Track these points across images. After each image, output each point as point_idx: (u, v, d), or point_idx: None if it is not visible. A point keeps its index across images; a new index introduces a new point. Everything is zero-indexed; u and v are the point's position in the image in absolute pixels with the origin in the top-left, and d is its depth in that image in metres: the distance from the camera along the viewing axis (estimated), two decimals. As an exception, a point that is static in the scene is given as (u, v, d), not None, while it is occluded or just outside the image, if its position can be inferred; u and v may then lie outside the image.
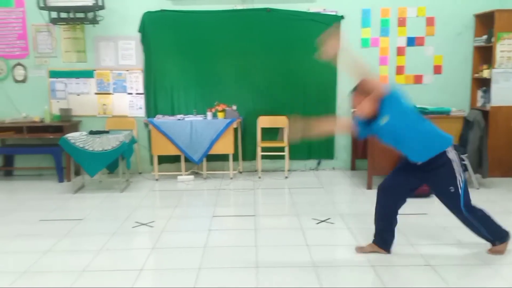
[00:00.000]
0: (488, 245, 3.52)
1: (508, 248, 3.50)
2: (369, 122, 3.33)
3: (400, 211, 4.47)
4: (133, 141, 5.79)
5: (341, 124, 3.53)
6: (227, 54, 6.21)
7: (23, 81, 6.33)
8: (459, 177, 3.29)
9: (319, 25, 6.13)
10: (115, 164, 5.60)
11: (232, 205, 5.12)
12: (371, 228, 3.72)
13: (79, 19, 5.79)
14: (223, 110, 5.97)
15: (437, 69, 6.28)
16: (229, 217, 4.62)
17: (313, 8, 6.17)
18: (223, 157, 6.10)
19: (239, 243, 3.83)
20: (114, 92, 6.37)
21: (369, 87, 3.28)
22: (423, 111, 5.87)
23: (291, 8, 6.14)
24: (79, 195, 5.42)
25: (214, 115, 6.01)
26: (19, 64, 6.29)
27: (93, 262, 3.45)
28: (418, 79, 6.29)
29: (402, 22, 6.21)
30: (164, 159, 6.20)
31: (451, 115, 5.84)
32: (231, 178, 6.05)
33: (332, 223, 4.29)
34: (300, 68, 6.22)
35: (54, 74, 6.31)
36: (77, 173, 5.88)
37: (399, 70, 6.29)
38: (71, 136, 5.35)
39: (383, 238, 3.54)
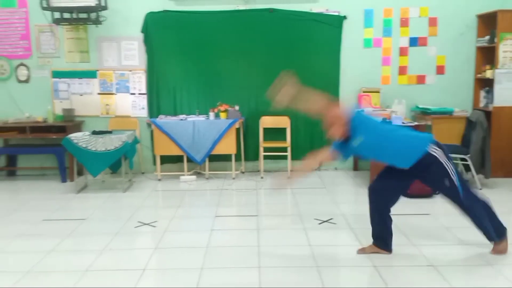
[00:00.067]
0: (491, 245, 3.51)
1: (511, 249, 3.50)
2: (346, 143, 3.35)
3: (402, 211, 4.48)
4: (135, 141, 5.80)
5: (322, 157, 3.54)
6: (230, 55, 6.21)
7: (26, 81, 6.35)
8: (450, 170, 3.27)
9: (322, 25, 6.14)
10: (118, 164, 5.61)
11: (234, 205, 5.12)
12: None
13: (82, 19, 5.81)
14: (226, 110, 5.98)
15: (440, 70, 6.27)
16: (232, 217, 4.63)
17: (315, 8, 6.17)
18: (226, 157, 6.10)
19: (241, 243, 3.83)
20: (117, 92, 6.39)
21: (333, 116, 3.34)
22: (426, 111, 5.89)
23: (294, 8, 6.14)
24: (82, 195, 5.43)
25: (217, 115, 6.02)
26: (22, 64, 6.31)
27: (96, 262, 3.46)
28: (420, 80, 6.29)
29: (404, 23, 6.20)
30: (166, 159, 6.21)
31: (454, 116, 5.85)
32: (234, 178, 6.06)
33: (334, 223, 4.29)
34: (302, 68, 6.18)
35: (57, 74, 6.33)
36: (80, 173, 5.89)
37: (402, 70, 6.28)
38: (74, 136, 5.37)
39: (383, 239, 3.54)
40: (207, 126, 5.89)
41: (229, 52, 6.21)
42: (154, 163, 6.20)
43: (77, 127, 6.24)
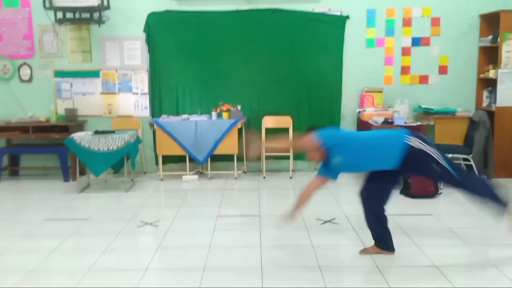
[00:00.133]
0: (493, 245, 3.50)
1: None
2: (329, 164, 3.36)
3: (404, 211, 4.48)
4: (138, 141, 5.81)
5: (313, 187, 3.49)
6: (232, 54, 6.21)
7: (29, 81, 6.36)
8: (435, 155, 3.24)
9: (324, 25, 6.14)
10: (120, 164, 5.61)
11: (236, 205, 5.12)
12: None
13: (84, 19, 5.82)
14: (228, 110, 5.98)
15: (443, 69, 6.26)
16: (234, 217, 4.63)
17: (318, 8, 6.16)
18: (228, 157, 6.10)
19: (243, 243, 3.83)
20: (119, 92, 6.39)
21: (305, 146, 3.40)
22: (428, 111, 5.88)
23: (296, 8, 6.14)
24: (84, 195, 5.44)
25: (219, 115, 6.02)
26: (25, 64, 6.32)
27: (98, 262, 3.46)
28: (423, 79, 6.27)
29: (407, 22, 6.19)
30: (169, 159, 6.21)
31: (457, 116, 5.84)
32: (236, 178, 6.06)
33: (336, 223, 4.29)
34: (305, 68, 6.22)
35: (60, 74, 6.34)
36: (83, 172, 5.90)
37: (404, 70, 6.27)
38: (77, 136, 5.38)
39: (383, 240, 3.53)
40: (209, 126, 5.89)
41: (231, 52, 6.21)
42: (157, 163, 6.21)
43: (80, 126, 6.25)
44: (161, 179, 6.04)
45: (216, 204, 4.97)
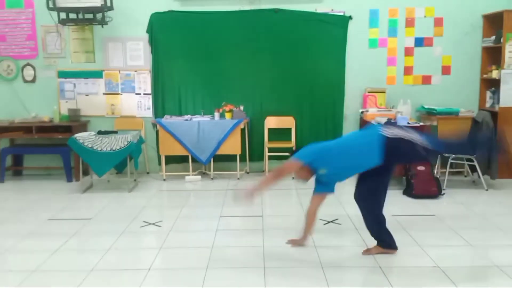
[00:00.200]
0: (497, 246, 3.49)
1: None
2: (320, 179, 3.47)
3: (407, 212, 4.48)
4: (141, 141, 5.82)
5: (317, 205, 3.57)
6: (235, 55, 6.22)
7: (33, 81, 6.38)
8: (414, 138, 3.26)
9: (327, 25, 6.14)
10: (123, 164, 5.63)
11: (239, 205, 5.12)
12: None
13: (87, 20, 5.83)
14: (231, 111, 5.98)
15: (446, 70, 6.25)
16: (237, 218, 4.62)
17: (320, 8, 6.16)
18: (230, 158, 6.11)
19: (246, 243, 3.83)
20: (122, 93, 6.41)
21: (288, 172, 3.48)
22: (431, 112, 5.87)
23: (298, 8, 6.14)
24: (87, 195, 5.45)
25: (222, 116, 6.02)
26: (28, 64, 6.35)
27: (101, 262, 3.47)
28: (426, 80, 6.27)
29: (410, 23, 6.19)
30: (171, 159, 6.22)
31: (460, 116, 5.82)
32: (238, 179, 6.06)
33: (339, 224, 4.29)
34: (307, 69, 6.22)
35: (63, 74, 6.36)
36: (86, 173, 5.91)
37: (407, 70, 6.26)
38: (80, 136, 5.39)
39: (384, 240, 3.53)
40: (212, 126, 5.89)
41: (234, 52, 6.21)
42: (159, 163, 6.22)
43: (83, 127, 6.27)
44: (164, 179, 6.05)
45: (219, 204, 4.97)
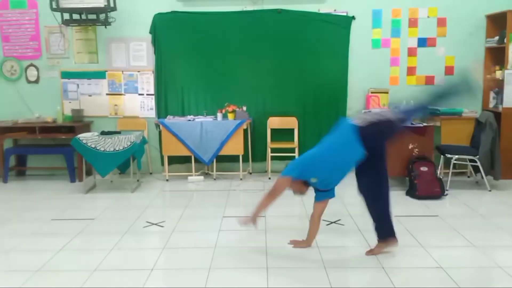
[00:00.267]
0: (500, 246, 3.48)
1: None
2: (317, 187, 3.55)
3: (410, 212, 4.47)
4: (144, 141, 5.83)
5: (320, 211, 3.67)
6: (237, 55, 6.22)
7: (36, 81, 6.40)
8: (386, 116, 3.32)
9: (330, 26, 6.13)
10: (126, 165, 5.64)
11: (242, 205, 5.12)
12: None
13: (91, 20, 5.84)
14: (233, 111, 5.99)
15: (449, 70, 6.23)
16: (239, 218, 4.62)
17: (323, 9, 6.16)
18: (233, 158, 6.11)
19: (249, 243, 3.83)
20: (125, 93, 6.42)
21: (282, 190, 3.49)
22: (435, 112, 5.85)
23: (301, 9, 6.14)
24: (90, 195, 5.46)
25: (224, 116, 6.03)
26: (32, 65, 6.37)
27: (104, 262, 3.48)
28: (429, 80, 6.25)
29: (413, 23, 6.18)
30: (174, 160, 6.23)
31: (463, 116, 5.82)
32: (241, 179, 6.06)
33: (342, 224, 4.29)
34: (310, 69, 6.22)
35: (66, 75, 6.38)
36: (89, 173, 5.93)
37: (411, 71, 6.25)
38: (83, 136, 5.40)
39: (384, 228, 3.52)
40: (215, 127, 5.90)
41: (237, 53, 6.22)
42: (162, 163, 6.23)
43: (86, 127, 6.28)
44: (167, 180, 6.06)
45: (222, 204, 4.98)
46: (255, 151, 6.40)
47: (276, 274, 3.22)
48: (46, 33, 6.31)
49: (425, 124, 5.48)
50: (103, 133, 5.51)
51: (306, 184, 3.52)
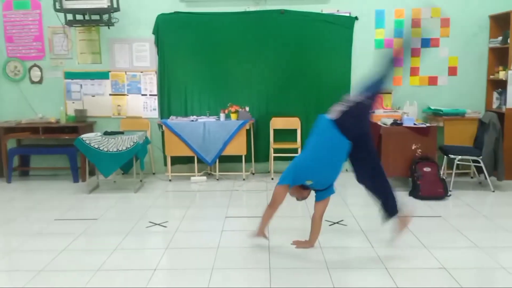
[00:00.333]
0: (502, 247, 3.47)
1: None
2: (316, 189, 3.60)
3: (414, 213, 4.46)
4: (147, 142, 5.84)
5: (322, 211, 3.70)
6: (240, 56, 6.23)
7: (39, 82, 6.42)
8: (356, 101, 3.37)
9: (333, 26, 6.13)
10: (129, 165, 5.65)
11: (244, 206, 5.13)
12: (384, 230, 3.73)
13: (94, 21, 5.86)
14: (236, 112, 5.99)
15: (452, 71, 6.22)
16: (242, 218, 4.63)
17: (326, 9, 6.16)
18: (236, 159, 6.11)
19: (251, 244, 3.83)
20: (128, 94, 6.43)
21: (281, 198, 3.56)
22: (438, 113, 5.85)
23: (304, 9, 6.14)
24: (93, 195, 5.47)
25: (227, 117, 6.03)
26: (35, 65, 6.39)
27: (107, 262, 3.48)
28: (433, 81, 6.25)
29: (416, 23, 6.17)
30: (177, 160, 6.23)
31: (466, 117, 5.81)
32: (244, 179, 6.06)
33: (345, 225, 4.28)
34: (313, 70, 6.22)
35: (70, 75, 6.40)
36: (92, 173, 5.93)
37: (414, 71, 6.25)
38: (86, 136, 5.41)
39: (394, 203, 3.54)
40: (218, 127, 5.90)
41: (240, 53, 6.22)
42: (165, 163, 6.23)
43: (89, 127, 6.29)
44: (170, 180, 6.07)
45: (224, 205, 4.98)
46: (258, 152, 6.40)
47: (279, 275, 3.22)
48: (49, 34, 6.32)
49: (428, 124, 5.47)
50: (106, 133, 5.52)
51: (305, 188, 3.56)
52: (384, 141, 5.32)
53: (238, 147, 5.94)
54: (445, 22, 6.15)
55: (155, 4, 6.19)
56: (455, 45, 6.17)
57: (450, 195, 5.10)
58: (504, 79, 5.77)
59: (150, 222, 4.42)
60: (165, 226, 4.30)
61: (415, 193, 5.08)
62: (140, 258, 3.60)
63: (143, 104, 6.44)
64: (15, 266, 3.48)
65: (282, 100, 6.28)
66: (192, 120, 6.00)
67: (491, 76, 6.08)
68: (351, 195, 5.37)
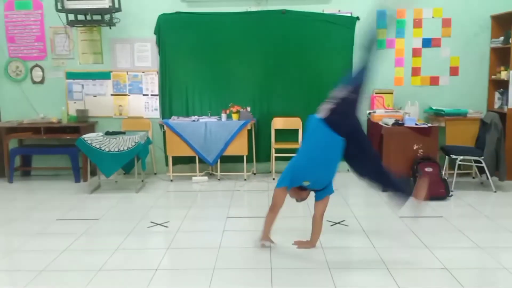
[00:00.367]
0: (504, 248, 3.46)
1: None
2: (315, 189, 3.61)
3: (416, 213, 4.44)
4: (148, 142, 5.84)
5: (322, 210, 3.70)
6: (242, 56, 6.23)
7: (41, 82, 6.43)
8: (342, 97, 3.42)
9: (334, 26, 6.12)
10: (131, 165, 5.65)
11: (246, 206, 5.13)
12: (386, 230, 3.73)
13: (95, 21, 5.86)
14: (238, 112, 5.99)
15: (454, 71, 6.22)
16: (243, 218, 4.63)
17: (327, 9, 6.16)
18: (237, 159, 6.11)
19: (253, 244, 3.83)
20: (130, 94, 6.44)
21: (282, 200, 3.57)
22: (439, 113, 5.84)
23: (306, 9, 6.14)
24: (95, 195, 5.47)
25: (229, 117, 6.03)
26: (37, 65, 6.40)
27: (109, 262, 3.48)
28: (434, 81, 6.24)
29: (418, 23, 6.16)
30: (178, 160, 6.24)
31: (468, 117, 5.80)
32: (245, 180, 6.06)
33: (346, 225, 4.28)
34: (314, 70, 6.21)
35: (71, 75, 6.40)
36: (93, 173, 5.94)
37: (415, 71, 6.24)
38: (88, 136, 5.42)
39: (404, 185, 3.57)
40: (219, 127, 5.90)
41: (241, 53, 6.22)
42: (167, 164, 6.24)
43: (91, 128, 6.30)
44: (171, 180, 6.07)
45: (226, 205, 4.98)
46: (259, 152, 6.40)
47: (281, 275, 3.21)
48: (51, 34, 6.33)
49: (429, 124, 5.46)
50: (107, 133, 5.52)
51: (303, 189, 3.57)
52: (386, 141, 5.31)
53: (239, 147, 5.94)
54: (446, 22, 6.14)
55: (156, 4, 6.20)
56: (457, 45, 6.16)
57: (451, 195, 5.10)
58: (506, 79, 5.76)
59: (152, 222, 4.42)
60: (166, 226, 4.30)
61: (417, 193, 5.07)
62: (142, 258, 3.61)
63: (145, 104, 6.44)
64: (17, 266, 3.49)
65: (284, 100, 6.28)
66: (194, 120, 6.01)
67: (493, 76, 6.07)
68: (352, 195, 5.37)
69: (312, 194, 3.68)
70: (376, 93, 6.09)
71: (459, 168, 5.46)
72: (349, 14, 6.15)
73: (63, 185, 5.94)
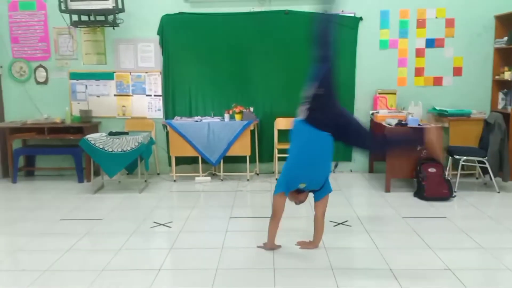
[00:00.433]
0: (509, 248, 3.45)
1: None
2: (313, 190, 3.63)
3: (418, 214, 4.45)
4: (151, 142, 5.85)
5: (323, 209, 3.72)
6: (245, 56, 6.23)
7: (45, 82, 6.45)
8: (314, 94, 3.43)
9: (337, 26, 6.10)
10: (134, 165, 5.66)
11: (249, 206, 5.13)
12: (389, 230, 3.72)
13: (99, 22, 5.87)
14: (241, 112, 5.99)
15: (457, 71, 6.20)
16: (246, 219, 4.63)
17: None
18: (240, 159, 6.11)
19: (256, 244, 3.83)
20: (133, 94, 6.45)
21: (281, 207, 3.58)
22: (443, 113, 5.83)
23: (308, 10, 6.13)
24: (98, 195, 5.49)
25: (232, 117, 6.04)
26: (40, 66, 6.42)
27: (112, 262, 3.49)
28: (437, 81, 6.23)
29: (421, 24, 6.15)
30: (181, 161, 6.25)
31: (472, 118, 5.78)
32: (248, 180, 6.07)
33: (349, 225, 4.27)
34: (317, 70, 6.20)
35: (75, 76, 6.42)
36: (97, 173, 5.96)
37: (418, 72, 6.23)
38: (91, 137, 5.43)
39: (409, 140, 3.69)
40: (222, 128, 5.91)
41: (244, 53, 6.23)
42: (170, 164, 6.25)
43: (94, 128, 6.32)
44: (174, 180, 6.08)
45: (229, 205, 4.98)
46: (262, 152, 6.40)
47: (283, 275, 3.22)
48: (54, 35, 6.35)
49: (433, 125, 5.44)
50: (111, 133, 5.54)
51: (300, 191, 3.58)
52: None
53: (242, 147, 5.95)
54: (450, 22, 6.13)
55: (159, 4, 6.21)
56: (460, 45, 6.15)
57: (455, 196, 5.09)
58: (509, 79, 5.74)
59: (155, 222, 4.43)
60: (169, 227, 4.31)
61: (420, 194, 5.07)
62: (145, 258, 3.61)
63: (148, 105, 6.46)
64: (21, 266, 3.50)
65: (287, 100, 6.27)
66: (197, 121, 6.01)
67: (497, 77, 6.06)
68: (355, 196, 5.37)
69: (312, 195, 3.67)
70: (379, 94, 6.08)
71: (462, 168, 5.44)
72: (352, 15, 6.14)
73: (66, 185, 5.96)
